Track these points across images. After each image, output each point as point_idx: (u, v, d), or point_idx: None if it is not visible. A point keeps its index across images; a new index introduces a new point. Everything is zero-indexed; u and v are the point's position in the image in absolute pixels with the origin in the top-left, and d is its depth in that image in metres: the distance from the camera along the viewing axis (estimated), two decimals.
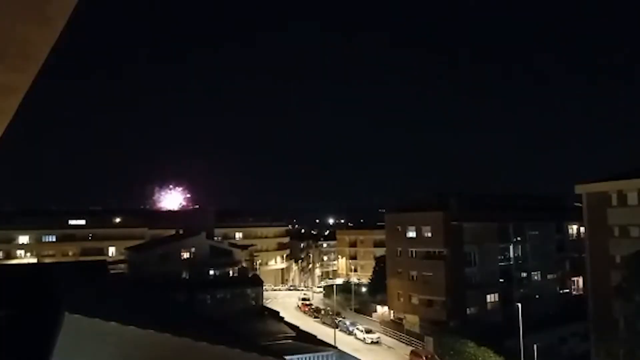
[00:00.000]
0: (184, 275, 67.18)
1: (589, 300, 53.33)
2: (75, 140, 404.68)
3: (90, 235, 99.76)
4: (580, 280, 74.89)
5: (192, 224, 78.96)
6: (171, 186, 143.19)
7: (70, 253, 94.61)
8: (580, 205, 56.44)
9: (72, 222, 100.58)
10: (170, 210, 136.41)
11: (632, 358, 40.22)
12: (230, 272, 72.74)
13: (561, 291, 76.46)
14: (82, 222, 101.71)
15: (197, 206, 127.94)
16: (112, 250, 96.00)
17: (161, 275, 57.80)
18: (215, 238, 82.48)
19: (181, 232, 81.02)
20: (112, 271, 47.32)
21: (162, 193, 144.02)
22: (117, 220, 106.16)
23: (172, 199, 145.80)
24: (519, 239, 71.24)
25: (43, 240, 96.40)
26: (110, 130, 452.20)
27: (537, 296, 68.54)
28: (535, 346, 48.80)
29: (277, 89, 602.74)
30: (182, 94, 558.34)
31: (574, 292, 77.88)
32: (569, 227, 78.98)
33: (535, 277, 73.28)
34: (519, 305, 51.55)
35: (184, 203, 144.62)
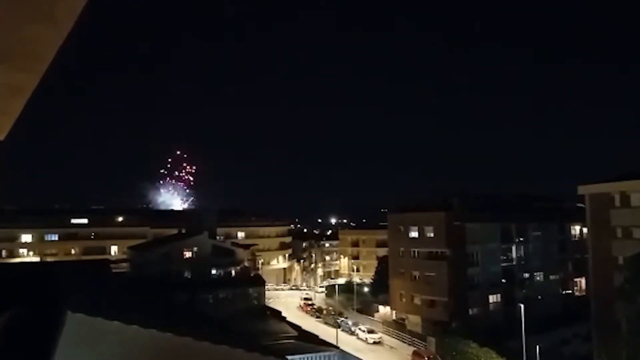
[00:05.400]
0: (187, 274, 67.27)
1: (591, 302, 53.26)
2: (78, 139, 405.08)
3: (93, 234, 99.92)
4: (583, 281, 74.80)
5: (194, 223, 79.08)
6: (174, 185, 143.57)
7: (72, 252, 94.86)
8: (583, 206, 56.38)
9: (74, 221, 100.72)
10: (172, 210, 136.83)
11: None
12: (233, 272, 72.83)
13: (563, 292, 76.35)
14: (85, 221, 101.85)
15: (199, 205, 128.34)
16: (114, 250, 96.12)
17: (163, 275, 57.88)
18: (218, 237, 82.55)
19: (183, 231, 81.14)
20: (114, 270, 47.38)
21: (165, 192, 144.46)
22: (120, 219, 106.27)
23: (175, 198, 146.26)
24: (521, 239, 71.18)
25: (45, 239, 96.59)
26: (113, 129, 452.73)
27: (539, 297, 68.44)
28: (537, 347, 48.73)
29: (279, 86, 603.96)
30: (184, 92, 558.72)
31: (577, 293, 77.78)
32: (572, 228, 78.92)
33: (538, 278, 73.21)
34: (522, 306, 51.50)
35: (187, 202, 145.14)
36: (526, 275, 71.36)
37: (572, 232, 79.27)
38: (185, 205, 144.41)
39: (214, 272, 70.18)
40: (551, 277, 74.90)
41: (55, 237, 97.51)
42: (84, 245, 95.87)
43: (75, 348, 11.28)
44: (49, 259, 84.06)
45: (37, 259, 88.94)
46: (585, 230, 63.45)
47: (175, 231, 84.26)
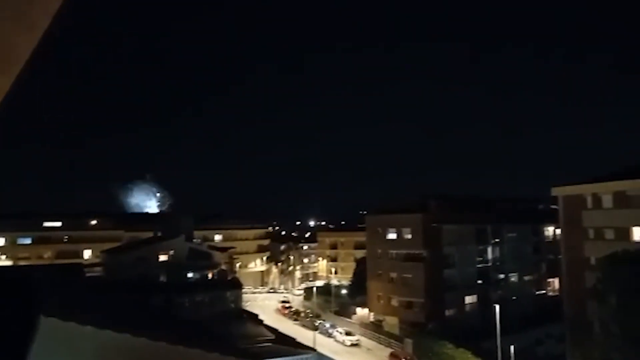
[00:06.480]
0: (162, 278, 66.50)
1: (564, 302, 54.06)
2: (51, 141, 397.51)
3: (66, 237, 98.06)
4: (556, 281, 75.96)
5: (170, 226, 78.30)
6: (150, 188, 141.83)
7: (45, 256, 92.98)
8: (557, 207, 57.29)
9: (47, 224, 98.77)
10: (148, 212, 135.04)
11: None
12: (210, 275, 72.26)
13: (537, 292, 77.50)
14: (58, 224, 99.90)
15: (176, 208, 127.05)
16: (88, 253, 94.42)
17: (139, 278, 57.17)
18: (195, 240, 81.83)
19: (159, 234, 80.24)
20: (88, 274, 46.72)
21: (141, 195, 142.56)
22: (94, 222, 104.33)
23: (151, 201, 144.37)
24: (497, 240, 72.06)
25: (18, 242, 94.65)
26: (87, 131, 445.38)
27: (514, 297, 69.37)
28: (512, 347, 49.33)
29: (264, 86, 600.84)
30: (163, 92, 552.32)
31: (550, 294, 79.00)
32: (546, 229, 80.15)
33: (513, 279, 74.20)
34: (497, 306, 52.09)
35: (163, 205, 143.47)
36: (501, 276, 72.25)
37: (546, 233, 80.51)
38: (162, 208, 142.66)
39: (190, 275, 69.54)
40: (525, 277, 76.00)
41: (28, 241, 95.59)
42: (58, 248, 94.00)
43: (48, 352, 11.10)
44: (21, 263, 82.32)
45: (9, 263, 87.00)
46: (558, 231, 64.43)
47: (150, 234, 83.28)
